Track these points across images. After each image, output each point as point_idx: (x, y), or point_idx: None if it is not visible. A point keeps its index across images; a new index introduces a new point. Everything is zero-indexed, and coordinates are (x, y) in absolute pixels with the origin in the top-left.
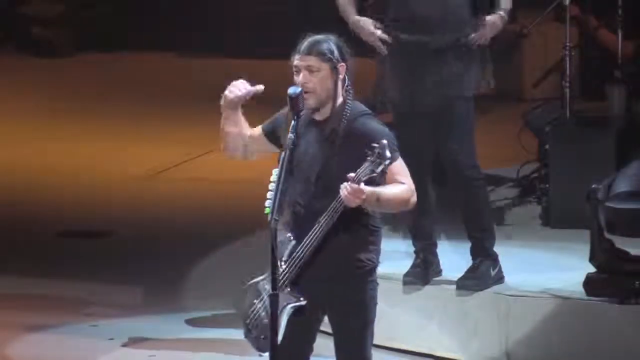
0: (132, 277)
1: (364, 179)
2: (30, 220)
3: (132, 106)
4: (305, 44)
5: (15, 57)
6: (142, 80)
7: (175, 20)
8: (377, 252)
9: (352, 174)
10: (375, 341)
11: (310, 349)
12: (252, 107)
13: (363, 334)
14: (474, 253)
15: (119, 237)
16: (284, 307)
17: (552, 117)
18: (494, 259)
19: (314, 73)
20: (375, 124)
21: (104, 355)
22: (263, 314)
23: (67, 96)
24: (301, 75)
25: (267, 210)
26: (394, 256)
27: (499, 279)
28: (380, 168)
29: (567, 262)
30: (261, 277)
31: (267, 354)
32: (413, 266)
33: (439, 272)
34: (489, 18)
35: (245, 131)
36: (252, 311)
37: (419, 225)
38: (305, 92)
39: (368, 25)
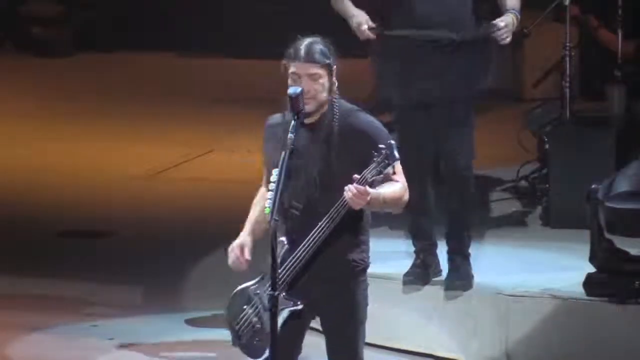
0: (132, 277)
1: (370, 179)
2: (30, 220)
3: (132, 106)
4: (302, 49)
5: (15, 57)
6: (142, 80)
7: (175, 20)
8: (368, 251)
9: (356, 175)
10: (375, 341)
11: (299, 350)
12: (252, 107)
13: (356, 335)
14: (454, 251)
15: (119, 237)
16: (280, 311)
17: (552, 117)
18: (469, 257)
19: (316, 80)
20: (367, 118)
21: (104, 355)
22: (255, 319)
23: (67, 96)
24: (303, 83)
25: (267, 210)
26: (394, 256)
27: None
28: (388, 169)
29: (567, 262)
30: (251, 283)
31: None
32: (413, 266)
33: (438, 272)
34: (504, 18)
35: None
36: (242, 317)
37: (419, 225)
38: (307, 98)
39: (361, 22)
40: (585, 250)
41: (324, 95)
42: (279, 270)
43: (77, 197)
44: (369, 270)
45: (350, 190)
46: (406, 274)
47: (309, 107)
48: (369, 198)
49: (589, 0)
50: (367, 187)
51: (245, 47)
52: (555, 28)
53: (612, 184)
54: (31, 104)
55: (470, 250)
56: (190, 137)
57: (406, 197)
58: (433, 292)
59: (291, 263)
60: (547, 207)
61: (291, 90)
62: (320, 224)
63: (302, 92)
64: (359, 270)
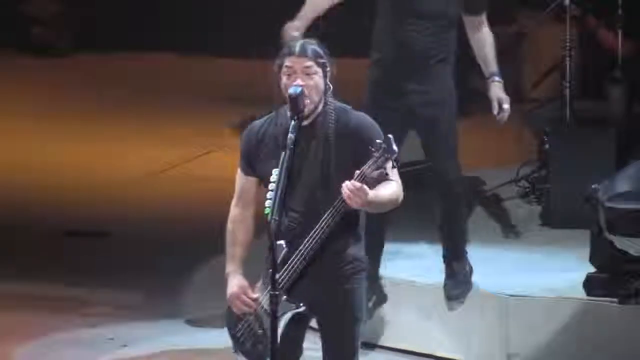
0: (132, 277)
1: (369, 175)
2: (31, 220)
3: (132, 106)
4: (297, 45)
5: (15, 57)
6: (142, 80)
7: (175, 20)
8: (363, 249)
9: (357, 171)
10: (375, 341)
11: (301, 351)
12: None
13: (354, 334)
14: (451, 257)
15: (119, 237)
16: (282, 314)
17: (552, 117)
18: (465, 256)
19: (311, 75)
20: (360, 116)
21: (104, 355)
22: (256, 324)
23: (66, 96)
24: (298, 79)
25: (267, 211)
26: (394, 256)
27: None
28: (387, 164)
29: (567, 262)
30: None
31: None
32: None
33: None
34: (502, 97)
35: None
36: (243, 323)
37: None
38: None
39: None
40: (585, 250)
41: (318, 95)
42: (279, 274)
43: (77, 197)
44: None
45: (347, 188)
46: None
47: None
48: (367, 196)
49: (589, 0)
50: (365, 187)
51: (245, 47)
52: (555, 28)
53: (612, 184)
54: (31, 104)
55: (471, 251)
56: (190, 137)
57: (401, 196)
58: (433, 292)
59: (291, 265)
60: (547, 207)
61: (291, 90)
62: (319, 223)
63: (302, 91)
64: (358, 270)
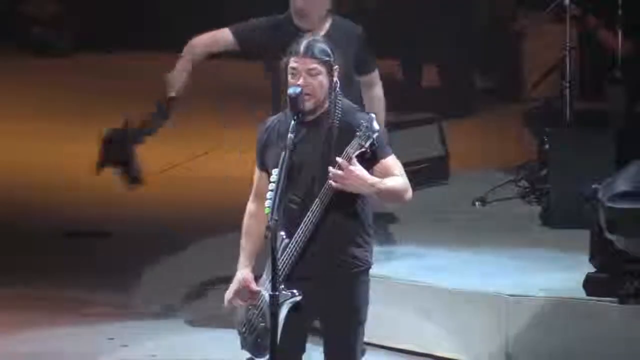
0: (132, 277)
1: (353, 155)
2: (30, 221)
3: (132, 106)
4: (302, 45)
5: (15, 57)
6: (141, 80)
7: (175, 20)
8: (371, 252)
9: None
10: (375, 341)
11: (303, 349)
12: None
13: (355, 335)
14: None
15: (119, 237)
16: (281, 305)
17: (552, 117)
18: None
19: (315, 75)
20: (364, 117)
21: (104, 355)
22: (259, 319)
23: (66, 96)
24: (301, 79)
25: (267, 210)
26: (394, 256)
27: None
28: (369, 142)
29: (567, 262)
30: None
31: (263, 358)
32: None
33: None
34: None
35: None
36: (248, 318)
37: None
38: (305, 95)
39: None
40: (585, 250)
41: (322, 93)
42: (279, 264)
43: (77, 197)
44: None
45: (334, 168)
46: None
47: (307, 105)
48: (363, 176)
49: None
50: (358, 168)
51: None
52: (555, 28)
53: (612, 184)
54: (31, 104)
55: (471, 251)
56: (190, 137)
57: (408, 195)
58: (433, 292)
59: (288, 253)
60: (547, 207)
61: (291, 90)
62: (311, 207)
63: (302, 92)
64: (361, 270)
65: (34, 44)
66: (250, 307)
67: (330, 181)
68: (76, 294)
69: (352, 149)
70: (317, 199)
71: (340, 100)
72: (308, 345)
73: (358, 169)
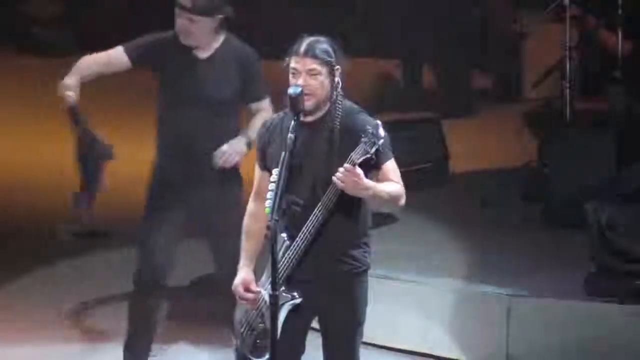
0: (132, 277)
1: (358, 160)
2: (30, 220)
3: (132, 106)
4: (303, 45)
5: (15, 57)
6: (142, 80)
7: (174, 20)
8: (370, 253)
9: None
10: (375, 341)
11: (303, 349)
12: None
13: (354, 336)
14: None
15: (119, 237)
16: (280, 306)
17: (552, 117)
18: None
19: (315, 76)
20: (365, 118)
21: (104, 355)
22: (258, 319)
23: None
24: (301, 78)
25: (267, 210)
26: (394, 256)
27: None
28: (374, 149)
29: (567, 262)
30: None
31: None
32: None
33: None
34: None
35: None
36: (247, 319)
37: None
38: (305, 94)
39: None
40: (585, 250)
41: (323, 93)
42: (279, 266)
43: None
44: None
45: (339, 171)
46: None
47: (307, 105)
48: (363, 181)
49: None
50: (358, 170)
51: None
52: (555, 28)
53: (613, 184)
54: (31, 104)
55: (471, 251)
56: None
57: (403, 200)
58: (433, 292)
59: (289, 256)
60: (547, 207)
61: (291, 90)
62: (314, 211)
63: (302, 92)
64: (360, 271)
65: (34, 44)
66: (249, 308)
67: (336, 180)
68: (76, 294)
69: (357, 155)
70: (320, 204)
71: (342, 101)
72: (308, 346)
73: (368, 181)
